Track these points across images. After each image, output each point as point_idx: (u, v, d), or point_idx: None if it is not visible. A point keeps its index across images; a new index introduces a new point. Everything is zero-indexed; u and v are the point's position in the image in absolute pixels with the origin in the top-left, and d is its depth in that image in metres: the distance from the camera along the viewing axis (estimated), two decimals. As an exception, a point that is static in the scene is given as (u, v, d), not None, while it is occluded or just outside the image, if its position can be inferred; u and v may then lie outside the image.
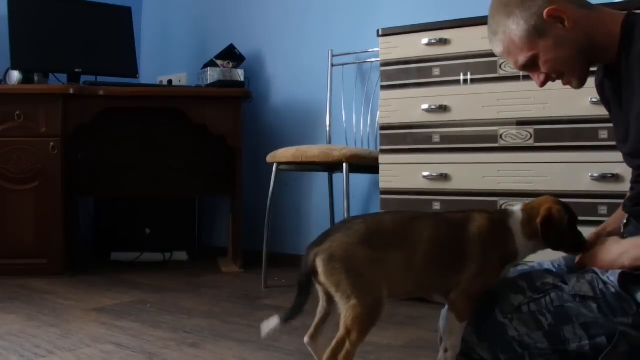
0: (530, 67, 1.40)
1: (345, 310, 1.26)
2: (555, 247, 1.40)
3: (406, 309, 2.35)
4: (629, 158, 1.45)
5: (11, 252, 3.06)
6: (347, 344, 1.27)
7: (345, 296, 1.26)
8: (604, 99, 1.53)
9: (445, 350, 1.37)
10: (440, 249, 1.35)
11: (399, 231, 1.35)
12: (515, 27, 1.36)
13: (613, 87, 1.43)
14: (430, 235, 1.35)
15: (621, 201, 1.57)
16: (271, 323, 1.33)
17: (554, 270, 1.51)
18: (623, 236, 1.45)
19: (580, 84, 1.41)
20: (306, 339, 1.39)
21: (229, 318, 2.27)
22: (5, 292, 2.70)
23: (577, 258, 1.45)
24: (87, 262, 3.52)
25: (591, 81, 1.61)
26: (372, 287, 1.28)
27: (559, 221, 1.37)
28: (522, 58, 1.38)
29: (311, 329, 1.39)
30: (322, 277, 1.28)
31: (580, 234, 1.41)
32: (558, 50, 1.35)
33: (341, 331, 1.27)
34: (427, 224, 1.37)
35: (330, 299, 1.32)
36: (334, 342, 1.29)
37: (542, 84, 1.42)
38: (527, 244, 1.39)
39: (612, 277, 1.29)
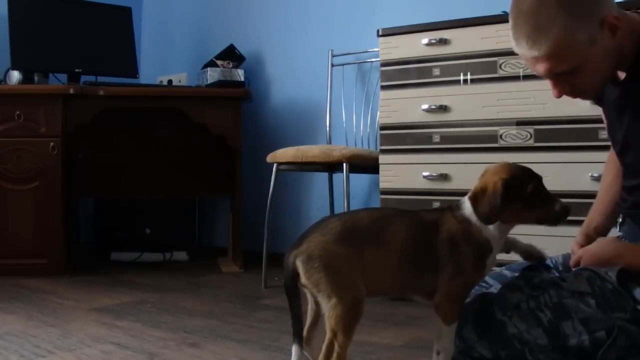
0: (561, 76, 1.26)
1: (327, 310, 1.27)
2: (489, 222, 1.30)
3: (406, 309, 2.35)
4: (626, 168, 1.44)
5: (11, 252, 3.05)
6: (336, 347, 1.27)
7: (325, 295, 1.27)
8: (599, 101, 1.49)
9: (438, 353, 1.37)
10: (414, 250, 1.33)
11: (374, 229, 1.34)
12: (577, 30, 1.17)
13: (616, 95, 1.39)
14: (404, 236, 1.33)
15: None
16: (295, 355, 1.30)
17: (551, 266, 1.51)
18: (619, 236, 1.45)
19: (596, 97, 1.36)
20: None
21: (229, 318, 2.27)
22: (5, 292, 2.70)
23: (572, 258, 1.46)
24: (87, 262, 3.52)
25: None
26: (351, 284, 1.28)
27: (491, 194, 1.28)
28: (564, 66, 1.22)
29: (304, 333, 1.39)
30: (303, 278, 1.28)
31: (548, 201, 1.31)
32: (603, 63, 1.24)
33: (328, 334, 1.28)
34: (402, 224, 1.35)
35: (298, 303, 1.32)
36: (324, 348, 1.29)
37: (560, 96, 1.30)
38: (494, 229, 1.33)
39: (611, 273, 1.30)
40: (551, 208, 1.31)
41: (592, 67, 1.23)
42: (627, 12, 1.31)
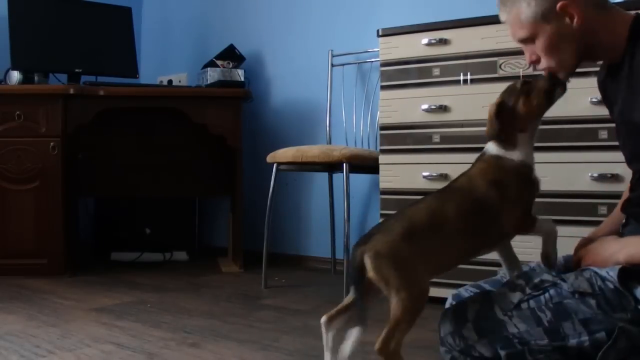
0: (525, 42, 1.43)
1: (394, 302, 1.33)
2: (506, 138, 1.42)
3: (406, 309, 2.34)
4: (628, 161, 1.46)
5: (11, 252, 3.05)
6: (398, 333, 1.33)
7: (394, 290, 1.33)
8: (605, 98, 1.53)
9: (547, 257, 1.43)
10: (472, 220, 1.41)
11: (430, 221, 1.41)
12: (526, 6, 1.38)
13: (614, 87, 1.44)
14: (456, 215, 1.41)
15: (617, 201, 1.58)
16: (352, 338, 1.35)
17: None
18: (622, 235, 1.45)
19: (567, 76, 1.44)
20: (324, 319, 1.42)
21: (229, 318, 2.28)
22: (5, 292, 2.70)
23: (574, 258, 1.46)
24: (87, 262, 3.52)
25: (592, 81, 1.61)
26: (417, 280, 1.35)
27: (489, 118, 1.43)
28: (521, 34, 1.41)
29: (332, 312, 1.43)
30: (370, 273, 1.34)
31: (536, 85, 1.44)
32: (557, 41, 1.38)
33: (391, 322, 1.33)
34: (450, 205, 1.42)
35: (362, 293, 1.36)
36: (384, 332, 1.33)
37: (532, 63, 1.45)
38: (520, 149, 1.43)
39: (612, 273, 1.30)
40: (542, 87, 1.43)
41: (546, 41, 1.38)
42: (622, 10, 1.39)
